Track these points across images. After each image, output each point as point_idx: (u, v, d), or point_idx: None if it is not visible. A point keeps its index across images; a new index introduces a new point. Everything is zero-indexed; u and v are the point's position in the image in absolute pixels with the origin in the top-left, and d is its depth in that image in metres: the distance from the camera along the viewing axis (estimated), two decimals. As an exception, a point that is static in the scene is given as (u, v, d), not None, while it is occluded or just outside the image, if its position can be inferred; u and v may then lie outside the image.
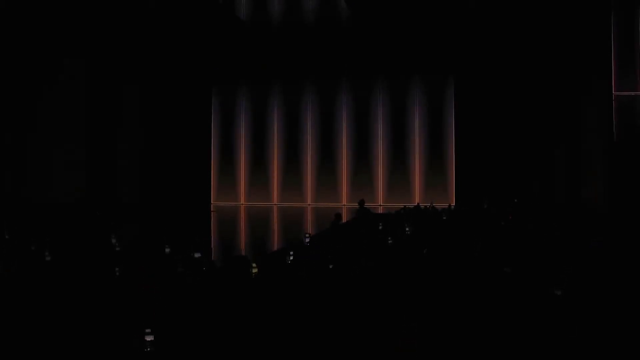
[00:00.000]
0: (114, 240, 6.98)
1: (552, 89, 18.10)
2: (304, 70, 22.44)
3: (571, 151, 15.80)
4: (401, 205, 18.21)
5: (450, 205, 16.31)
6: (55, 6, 16.25)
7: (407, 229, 7.84)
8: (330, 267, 6.13)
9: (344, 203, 21.98)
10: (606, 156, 12.68)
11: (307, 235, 6.94)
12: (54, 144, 17.83)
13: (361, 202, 13.53)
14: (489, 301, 5.04)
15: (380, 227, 9.52)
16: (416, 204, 16.28)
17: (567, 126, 16.31)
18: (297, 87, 22.78)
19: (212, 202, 23.00)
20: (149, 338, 3.85)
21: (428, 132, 21.74)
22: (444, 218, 10.74)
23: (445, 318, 4.61)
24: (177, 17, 18.36)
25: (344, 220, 13.69)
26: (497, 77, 20.93)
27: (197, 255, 5.78)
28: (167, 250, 6.34)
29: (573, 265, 6.46)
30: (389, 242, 7.45)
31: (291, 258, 5.92)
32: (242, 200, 22.93)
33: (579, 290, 5.10)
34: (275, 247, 11.04)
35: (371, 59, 21.47)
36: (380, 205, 21.36)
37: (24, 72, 16.83)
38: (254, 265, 5.39)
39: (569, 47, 16.00)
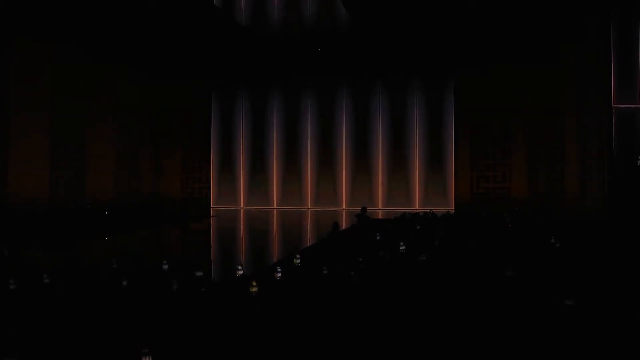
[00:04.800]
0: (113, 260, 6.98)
1: (552, 98, 18.11)
2: (303, 74, 22.46)
3: (571, 162, 15.80)
4: (401, 209, 18.26)
5: (448, 211, 16.33)
6: (53, 13, 16.26)
7: (401, 246, 7.82)
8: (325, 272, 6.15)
9: (344, 207, 22.01)
10: (606, 167, 12.67)
11: (297, 256, 6.89)
12: (54, 149, 17.87)
13: (363, 209, 13.66)
14: (488, 306, 5.05)
15: (378, 237, 9.51)
16: (415, 211, 16.33)
17: (567, 137, 16.31)
18: (296, 91, 22.81)
19: (212, 206, 23.03)
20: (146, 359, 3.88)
21: (428, 137, 21.75)
22: (442, 230, 10.70)
23: (444, 322, 4.64)
24: (176, 21, 18.36)
25: (343, 225, 13.75)
26: (498, 85, 20.95)
27: (198, 274, 5.76)
28: (165, 267, 6.34)
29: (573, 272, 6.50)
30: (387, 256, 7.47)
31: (279, 275, 5.90)
32: (242, 204, 22.96)
33: (582, 296, 5.13)
34: (275, 254, 11.06)
35: (370, 63, 21.48)
36: (379, 209, 21.37)
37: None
38: (253, 283, 5.38)
39: (569, 58, 16.00)
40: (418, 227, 11.24)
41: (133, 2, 16.49)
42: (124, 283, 5.65)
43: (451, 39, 19.35)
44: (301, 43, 20.98)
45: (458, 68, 21.26)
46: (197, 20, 18.41)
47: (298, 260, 6.74)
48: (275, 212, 21.73)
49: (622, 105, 12.56)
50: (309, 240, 13.12)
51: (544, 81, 18.98)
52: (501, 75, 20.87)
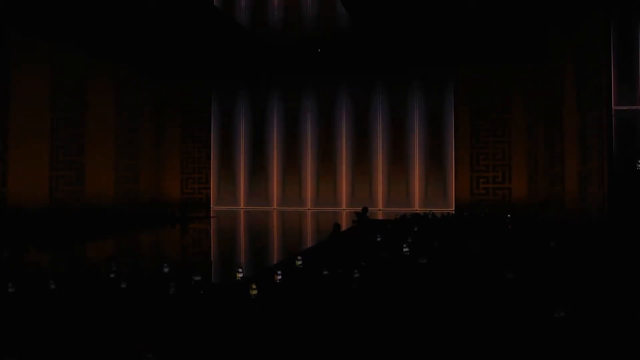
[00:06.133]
0: (111, 259, 6.96)
1: (551, 99, 18.08)
2: (303, 74, 22.47)
3: (571, 163, 15.77)
4: (401, 210, 18.27)
5: (448, 213, 16.31)
6: (54, 12, 16.24)
7: (405, 248, 7.81)
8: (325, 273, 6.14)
9: (344, 207, 22.00)
10: (606, 169, 12.64)
11: (298, 257, 6.87)
12: (54, 150, 17.86)
13: (364, 209, 13.66)
14: (488, 309, 5.04)
15: (378, 239, 9.50)
16: (416, 212, 16.32)
17: (567, 138, 16.28)
18: (296, 91, 22.81)
19: (211, 206, 23.02)
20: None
21: (428, 137, 21.76)
22: (441, 232, 10.68)
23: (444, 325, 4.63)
24: (176, 22, 18.34)
25: (344, 226, 13.72)
26: (498, 85, 20.95)
27: (196, 278, 5.74)
28: (166, 270, 6.31)
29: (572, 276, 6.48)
30: (386, 256, 7.46)
31: (279, 277, 5.87)
32: (242, 205, 22.95)
33: (581, 300, 5.12)
34: (275, 255, 11.04)
35: (370, 63, 21.49)
36: (380, 210, 21.36)
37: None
38: (253, 286, 5.35)
39: (569, 58, 15.97)
40: (416, 229, 11.22)
41: (133, 2, 16.47)
42: (123, 285, 5.63)
43: (451, 39, 19.34)
44: (301, 43, 20.97)
45: (458, 68, 21.28)
46: (197, 21, 18.39)
47: (300, 262, 6.72)
48: (275, 212, 21.71)
49: (622, 107, 12.52)
50: (309, 241, 13.10)
51: (544, 81, 19.00)
52: (501, 75, 20.92)
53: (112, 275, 6.33)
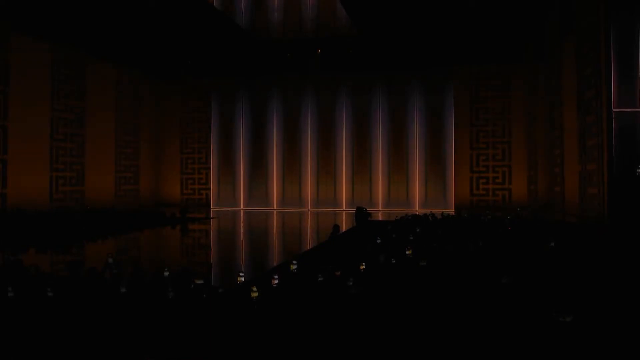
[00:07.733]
0: (110, 260, 6.94)
1: (551, 100, 18.09)
2: (303, 75, 22.45)
3: (571, 165, 15.77)
4: (401, 211, 18.25)
5: (448, 214, 16.28)
6: (54, 12, 16.24)
7: (407, 251, 7.81)
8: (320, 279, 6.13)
9: (344, 208, 22.00)
10: (605, 171, 12.64)
11: (294, 262, 6.87)
12: (54, 151, 17.86)
13: (360, 210, 13.67)
14: (486, 313, 5.04)
15: (378, 241, 9.49)
16: (416, 213, 16.32)
17: (567, 140, 16.28)
18: (296, 92, 22.80)
19: (211, 207, 23.02)
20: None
21: (428, 138, 21.76)
22: (440, 233, 10.67)
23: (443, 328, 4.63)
24: (176, 22, 18.34)
25: (343, 227, 13.73)
26: (497, 86, 20.95)
27: (199, 282, 5.72)
28: (166, 273, 6.30)
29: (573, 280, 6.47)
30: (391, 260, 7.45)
31: (276, 281, 5.87)
32: (242, 206, 22.95)
33: (581, 305, 5.11)
34: (275, 257, 11.03)
35: (371, 64, 21.48)
36: (379, 210, 21.36)
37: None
38: (253, 288, 5.35)
39: (569, 59, 15.97)
40: (418, 230, 11.21)
41: (133, 2, 16.47)
42: (123, 290, 5.62)
43: (451, 39, 19.34)
44: (301, 44, 20.97)
45: (458, 68, 21.27)
46: (197, 22, 18.39)
47: (295, 267, 6.71)
48: (275, 213, 21.70)
49: (622, 110, 12.52)
50: (309, 242, 13.10)
51: (544, 82, 19.01)
52: (501, 75, 20.92)
53: (111, 278, 6.33)
